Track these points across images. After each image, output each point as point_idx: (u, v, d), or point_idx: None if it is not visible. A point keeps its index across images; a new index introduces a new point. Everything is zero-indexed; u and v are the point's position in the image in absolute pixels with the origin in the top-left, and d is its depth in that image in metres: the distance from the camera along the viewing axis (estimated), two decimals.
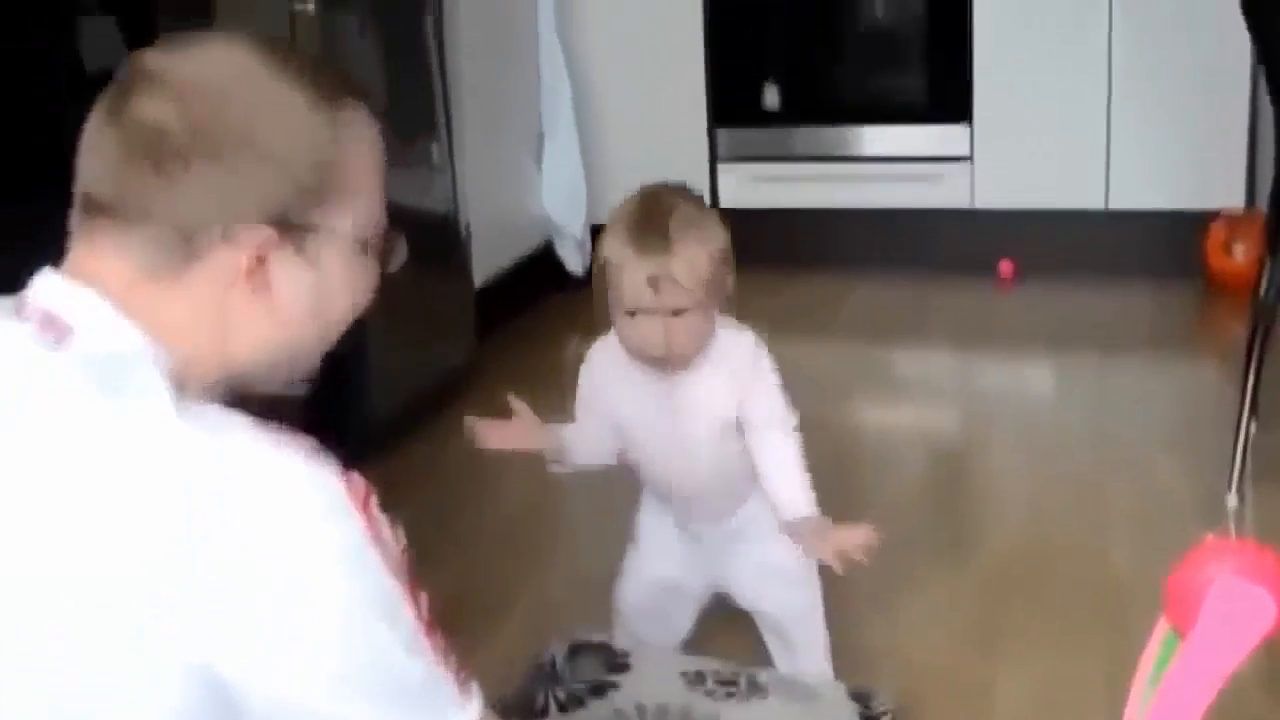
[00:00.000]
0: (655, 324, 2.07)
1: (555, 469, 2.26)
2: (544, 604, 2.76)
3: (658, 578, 2.34)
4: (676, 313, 2.07)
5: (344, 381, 2.50)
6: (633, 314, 2.09)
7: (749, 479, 2.21)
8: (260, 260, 1.29)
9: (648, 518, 2.35)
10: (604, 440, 2.26)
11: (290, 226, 1.30)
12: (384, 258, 1.44)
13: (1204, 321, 4.54)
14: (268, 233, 1.29)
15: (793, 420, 2.18)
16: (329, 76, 1.36)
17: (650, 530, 2.34)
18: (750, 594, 2.32)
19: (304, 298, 1.34)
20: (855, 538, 2.03)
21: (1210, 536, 1.63)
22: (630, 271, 2.06)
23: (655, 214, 2.08)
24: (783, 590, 2.29)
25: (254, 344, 1.33)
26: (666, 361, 2.13)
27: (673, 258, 2.04)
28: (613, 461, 2.30)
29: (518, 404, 2.22)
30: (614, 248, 2.09)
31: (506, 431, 2.21)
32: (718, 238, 2.12)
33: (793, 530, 2.11)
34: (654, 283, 2.05)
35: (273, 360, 1.36)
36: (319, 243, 1.33)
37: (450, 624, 2.66)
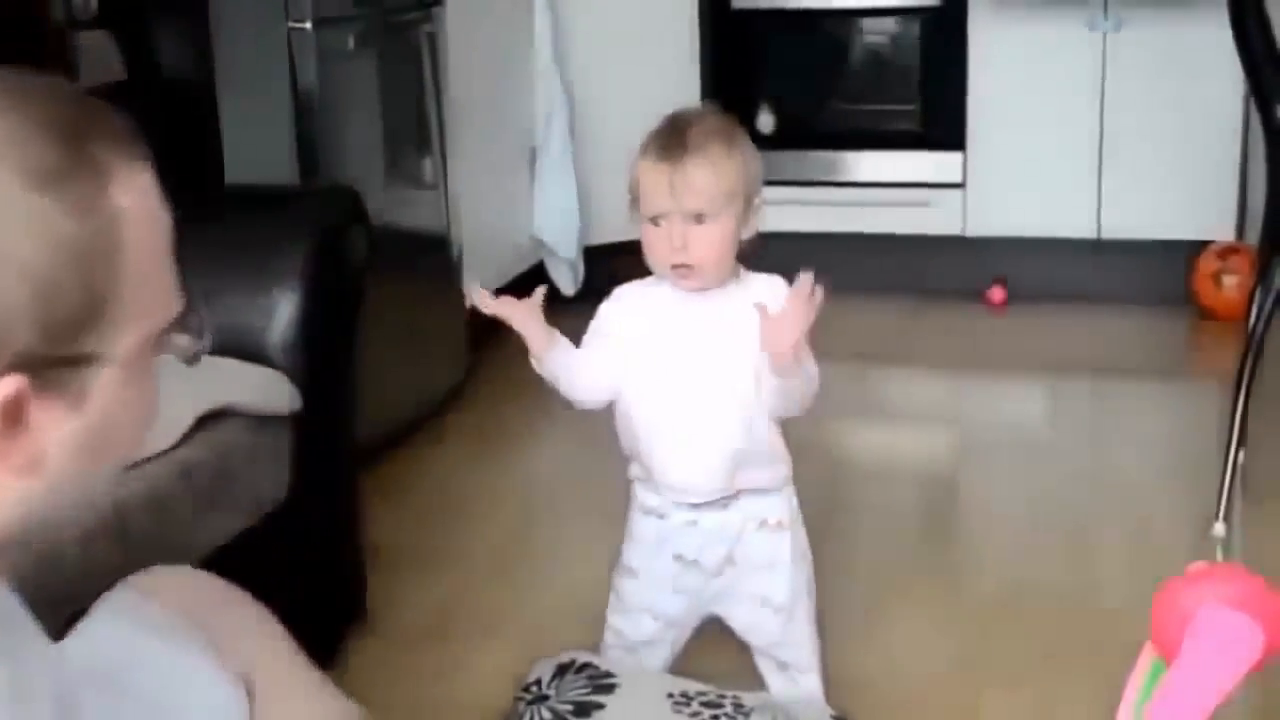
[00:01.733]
0: (675, 228, 2.10)
1: (535, 366, 2.23)
2: (532, 623, 2.76)
3: (653, 609, 2.33)
4: (697, 219, 2.10)
5: (334, 400, 2.50)
6: (655, 222, 2.12)
7: (750, 448, 2.20)
8: (9, 417, 0.98)
9: (641, 545, 2.33)
10: (605, 371, 2.22)
11: (44, 364, 0.98)
12: (180, 350, 1.15)
13: (1194, 350, 4.55)
14: (13, 384, 0.96)
15: (813, 370, 2.15)
16: (81, 131, 1.01)
17: (645, 557, 2.32)
18: (744, 622, 2.31)
19: (69, 446, 1.03)
20: (798, 297, 2.02)
21: (1196, 563, 1.63)
22: (651, 176, 2.11)
23: (679, 124, 2.15)
24: (777, 619, 2.28)
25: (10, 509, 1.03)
26: (689, 272, 2.13)
27: (690, 159, 2.09)
28: (601, 400, 2.26)
29: (538, 295, 2.21)
30: (639, 162, 2.15)
31: (513, 306, 2.19)
32: (745, 154, 2.16)
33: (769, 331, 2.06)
34: (672, 184, 2.09)
35: (43, 516, 1.06)
36: (86, 377, 1.02)
37: (436, 642, 2.67)
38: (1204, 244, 4.61)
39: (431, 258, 3.88)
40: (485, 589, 2.91)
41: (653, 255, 2.16)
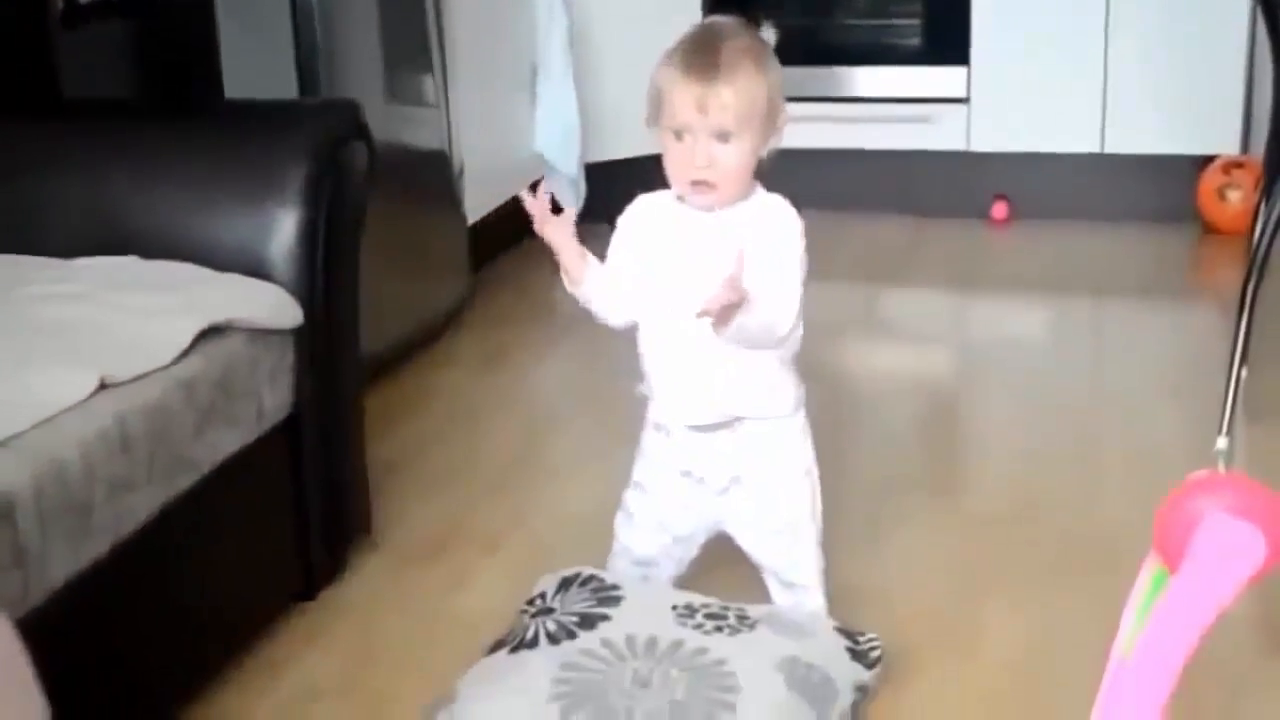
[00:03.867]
0: (701, 145, 2.11)
1: (570, 288, 2.22)
2: (536, 539, 2.77)
3: (661, 524, 2.33)
4: (722, 138, 2.10)
5: (336, 314, 2.49)
6: (679, 136, 2.13)
7: (742, 373, 2.20)
8: None
9: (650, 461, 2.34)
10: (623, 282, 2.22)
11: None
12: None
13: (1197, 265, 4.54)
14: None
15: (794, 302, 2.14)
16: None
17: (655, 474, 2.33)
18: (749, 539, 2.32)
19: None
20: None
21: (1198, 471, 1.63)
22: (680, 91, 2.11)
23: (710, 38, 2.14)
24: (781, 536, 2.30)
25: None
26: (708, 188, 2.14)
27: (721, 79, 2.09)
28: (621, 320, 2.26)
29: (569, 216, 2.20)
30: (665, 72, 2.14)
31: (558, 223, 2.18)
32: (773, 73, 2.16)
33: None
34: (702, 103, 2.09)
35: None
36: None
37: (440, 557, 2.69)
38: (1209, 158, 4.59)
39: (432, 175, 3.85)
40: (490, 505, 2.91)
41: (673, 169, 2.15)
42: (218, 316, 2.18)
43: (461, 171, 3.97)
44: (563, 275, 2.22)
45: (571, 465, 3.15)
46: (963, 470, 3.08)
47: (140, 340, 2.07)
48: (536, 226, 2.18)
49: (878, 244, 4.66)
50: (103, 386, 1.95)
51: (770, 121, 2.15)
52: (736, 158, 2.13)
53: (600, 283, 2.21)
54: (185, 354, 2.10)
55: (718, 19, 2.24)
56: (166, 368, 2.05)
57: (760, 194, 2.22)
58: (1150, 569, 1.63)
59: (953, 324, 4.18)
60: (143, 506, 1.98)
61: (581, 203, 4.57)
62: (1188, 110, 4.53)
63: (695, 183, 2.14)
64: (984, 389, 3.58)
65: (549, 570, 2.35)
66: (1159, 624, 1.56)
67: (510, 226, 4.44)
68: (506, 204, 4.41)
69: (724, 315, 2.02)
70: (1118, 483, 2.91)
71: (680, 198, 2.19)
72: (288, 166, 2.42)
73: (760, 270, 2.12)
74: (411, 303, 3.69)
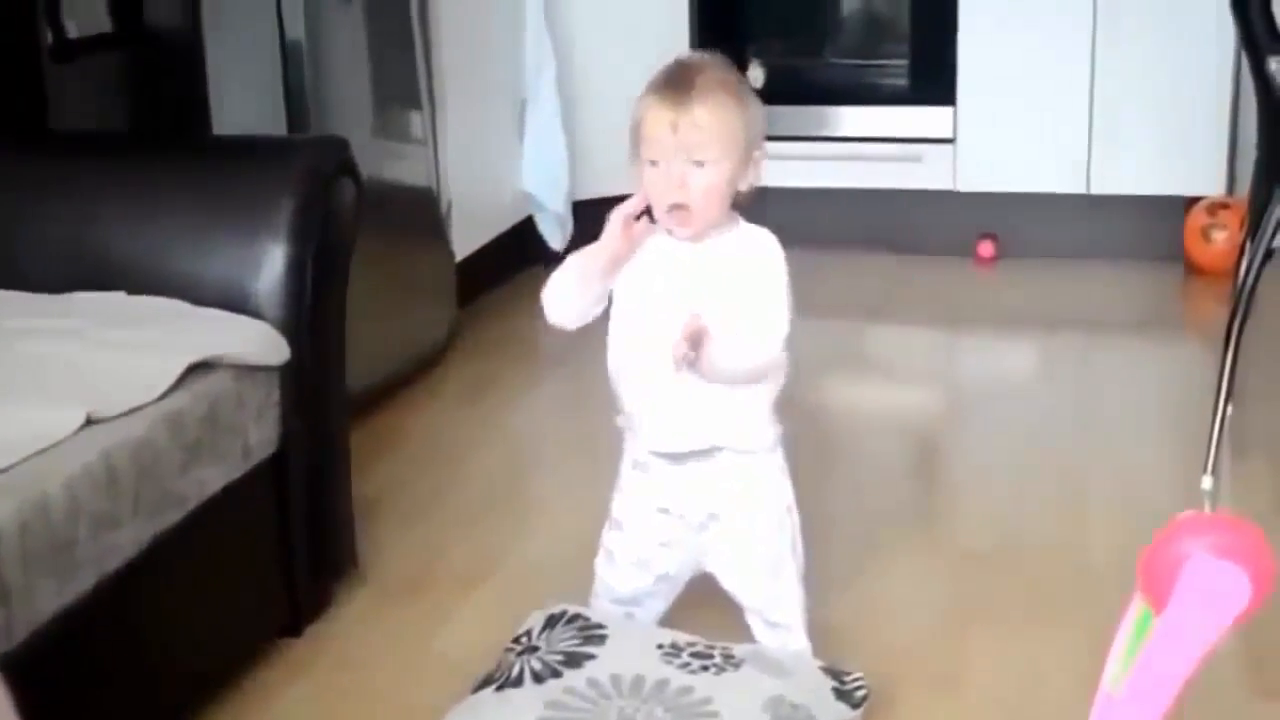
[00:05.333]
0: (675, 167, 2.12)
1: (570, 265, 2.23)
2: (521, 574, 2.76)
3: (640, 562, 2.33)
4: (696, 163, 2.12)
5: (323, 351, 2.49)
6: (655, 163, 2.14)
7: (720, 404, 2.20)
8: None
9: (629, 498, 2.34)
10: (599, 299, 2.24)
11: None
12: None
13: (1183, 304, 4.56)
14: None
15: (781, 331, 2.16)
16: None
17: (633, 512, 2.33)
18: (730, 578, 2.32)
19: None
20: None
21: (1184, 512, 1.63)
22: (653, 117, 2.14)
23: (685, 68, 2.18)
24: (761, 575, 2.29)
25: None
26: (684, 216, 2.15)
27: (693, 102, 2.11)
28: (574, 324, 2.26)
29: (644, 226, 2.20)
30: (641, 102, 2.17)
31: (640, 229, 2.18)
32: (749, 104, 2.18)
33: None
34: (675, 125, 2.11)
35: None
36: None
37: (425, 593, 2.68)
38: (1194, 199, 4.61)
39: (420, 211, 3.86)
40: (474, 540, 2.91)
41: (651, 197, 2.16)
42: (205, 353, 2.17)
43: (449, 208, 3.98)
44: (591, 257, 2.20)
45: (556, 500, 3.15)
46: (947, 507, 3.08)
47: (127, 376, 2.06)
48: (623, 220, 2.17)
49: (864, 282, 4.67)
50: (89, 422, 1.94)
51: (746, 153, 2.16)
52: (710, 181, 2.13)
53: (598, 293, 2.23)
54: (172, 390, 2.09)
55: (696, 54, 2.28)
56: (153, 404, 2.05)
57: (743, 226, 2.23)
58: (1136, 610, 1.63)
59: (939, 362, 4.18)
60: (128, 542, 1.97)
61: (569, 239, 4.58)
62: (1173, 151, 4.56)
63: (671, 207, 2.14)
64: (969, 427, 3.59)
65: (534, 606, 2.34)
66: (1146, 666, 1.56)
67: (497, 263, 4.46)
68: (493, 240, 4.43)
69: (690, 360, 2.05)
70: (1103, 520, 2.91)
71: (670, 231, 2.20)
72: (276, 202, 2.42)
73: (742, 302, 2.14)
74: (397, 338, 3.68)
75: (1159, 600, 1.57)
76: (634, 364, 2.24)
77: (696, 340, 2.05)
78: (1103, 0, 4.51)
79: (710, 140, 2.12)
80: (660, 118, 2.13)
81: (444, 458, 3.34)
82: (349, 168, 2.54)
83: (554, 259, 4.44)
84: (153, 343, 2.17)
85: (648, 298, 2.21)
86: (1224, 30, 3.64)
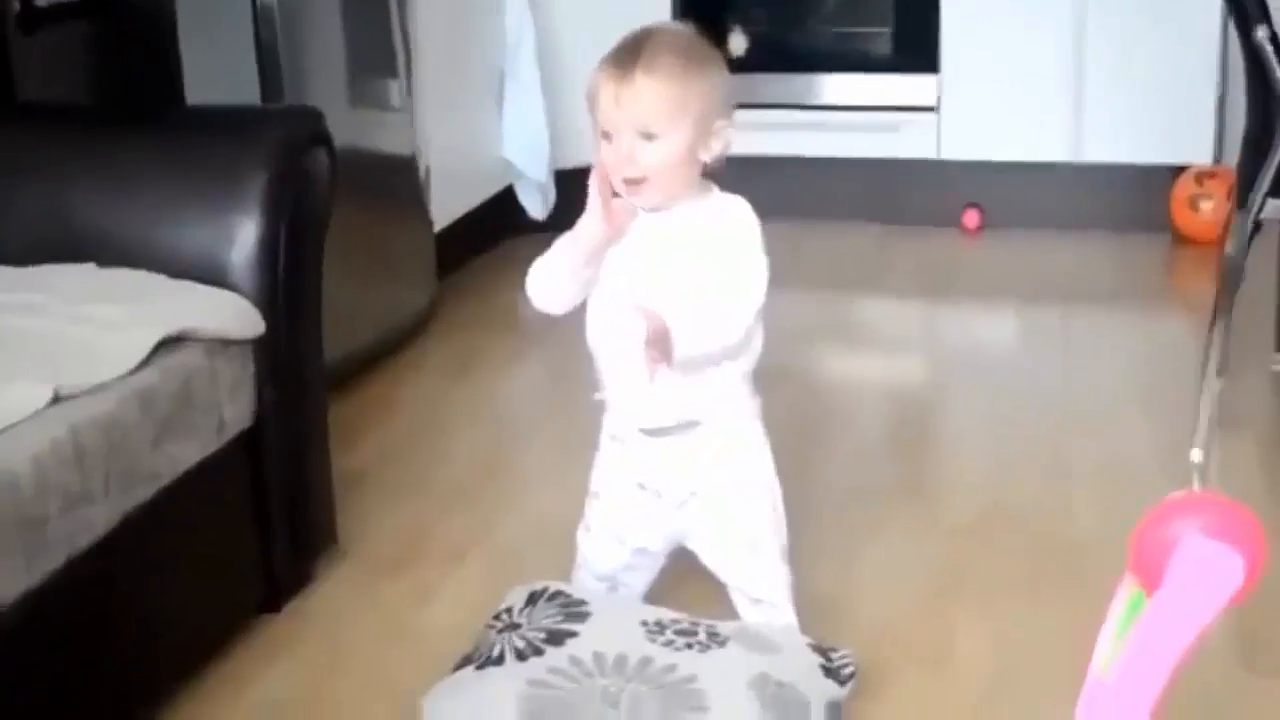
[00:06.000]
0: (625, 141, 2.08)
1: (559, 248, 2.19)
2: (503, 549, 2.73)
3: (619, 536, 2.30)
4: (646, 136, 2.07)
5: (299, 323, 2.45)
6: (607, 135, 2.09)
7: (693, 377, 2.15)
8: None
9: (606, 472, 2.31)
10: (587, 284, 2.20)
11: None
12: None
13: (1170, 275, 4.53)
14: None
15: (755, 301, 2.11)
16: None
17: (611, 485, 2.29)
18: (710, 555, 2.29)
19: None
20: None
21: (1175, 492, 1.60)
22: (602, 90, 2.09)
23: (637, 38, 2.12)
24: (742, 551, 2.26)
25: None
26: (637, 188, 2.10)
27: (637, 73, 2.06)
28: (561, 308, 2.24)
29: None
30: (593, 75, 2.12)
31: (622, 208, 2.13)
32: (702, 72, 2.11)
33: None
34: (618, 97, 2.07)
35: None
36: None
37: (407, 568, 2.65)
38: (1181, 168, 4.58)
39: (399, 181, 3.82)
40: (456, 514, 2.88)
41: (608, 167, 2.11)
42: (176, 327, 2.14)
43: (428, 177, 3.93)
44: (575, 245, 2.16)
45: (539, 474, 3.12)
46: (932, 479, 3.06)
47: (96, 352, 2.03)
48: (602, 203, 2.12)
49: (847, 252, 4.64)
50: (56, 399, 1.91)
51: (704, 123, 2.10)
52: (661, 155, 2.08)
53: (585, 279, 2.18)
54: (143, 365, 2.05)
55: (659, 23, 2.22)
56: (123, 379, 2.01)
57: (716, 195, 2.18)
58: (1127, 590, 1.61)
59: (923, 333, 4.15)
60: (99, 519, 1.93)
61: (550, 208, 4.54)
62: (1160, 119, 4.52)
63: (626, 181, 2.10)
64: (954, 398, 3.56)
65: (518, 581, 2.32)
66: (1138, 647, 1.54)
67: (477, 232, 4.42)
68: (473, 209, 4.38)
69: (657, 362, 2.01)
70: (1089, 492, 2.89)
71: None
72: (248, 173, 2.38)
73: (714, 272, 2.10)
74: (377, 309, 3.65)
75: (1150, 582, 1.55)
76: (605, 339, 2.20)
77: (660, 342, 2.00)
78: None
79: (655, 112, 2.06)
80: (608, 91, 2.08)
81: (427, 430, 3.31)
82: (322, 138, 2.50)
83: (535, 228, 4.43)
84: (124, 317, 2.13)
85: (616, 270, 2.17)
86: None
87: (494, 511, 2.91)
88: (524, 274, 2.23)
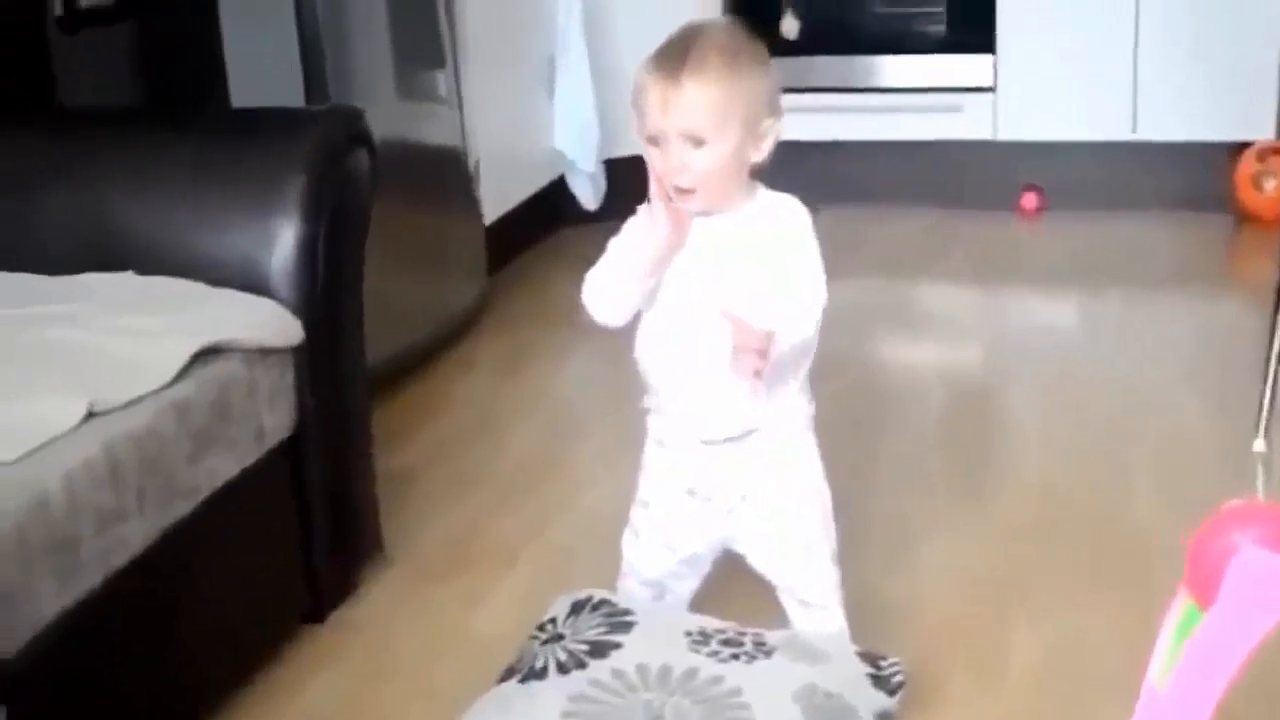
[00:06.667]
0: (673, 149, 2.02)
1: (647, 248, 2.08)
2: (551, 553, 2.70)
3: (667, 543, 2.25)
4: (694, 142, 2.01)
5: (340, 329, 2.43)
6: (654, 142, 2.04)
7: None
8: None
9: (655, 479, 2.26)
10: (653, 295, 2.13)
11: None
12: None
13: (1233, 256, 4.45)
14: None
15: (821, 297, 2.06)
16: None
17: (660, 493, 2.25)
18: (760, 559, 2.24)
19: None
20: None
21: (1233, 501, 1.55)
22: (648, 93, 2.03)
23: (684, 38, 2.05)
24: (794, 558, 2.21)
25: None
26: (689, 196, 2.04)
27: (686, 76, 2.00)
28: (620, 320, 2.16)
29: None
30: (639, 75, 2.06)
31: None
32: (751, 73, 2.05)
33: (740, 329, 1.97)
34: (665, 101, 2.01)
35: None
36: None
37: (456, 572, 2.63)
38: (1244, 144, 4.49)
39: (447, 174, 3.79)
40: (507, 515, 2.85)
41: (654, 176, 2.06)
42: (213, 337, 2.11)
43: (478, 169, 3.90)
44: (644, 254, 2.08)
45: (592, 473, 3.08)
46: (990, 473, 2.99)
47: (132, 364, 2.00)
48: (668, 210, 2.05)
49: (904, 237, 4.58)
50: (91, 414, 1.88)
51: (752, 125, 2.04)
52: (710, 162, 2.02)
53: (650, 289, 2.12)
54: (179, 378, 2.03)
55: (704, 20, 2.15)
56: (158, 392, 1.99)
57: (763, 193, 2.13)
58: (1182, 603, 1.56)
59: (982, 318, 4.09)
60: (136, 537, 1.91)
61: (601, 199, 4.51)
62: (1221, 95, 4.44)
63: (677, 190, 2.05)
64: (1013, 385, 3.50)
65: (568, 584, 2.28)
66: (1193, 661, 1.49)
67: (528, 224, 4.38)
68: (524, 202, 4.35)
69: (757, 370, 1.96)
70: (1148, 485, 2.82)
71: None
72: (287, 177, 2.35)
73: (774, 278, 2.05)
74: (426, 306, 3.62)
75: (1206, 593, 1.50)
76: (664, 346, 2.15)
77: (764, 349, 1.94)
78: None
79: (704, 119, 2.00)
80: (654, 95, 2.02)
81: (479, 428, 3.28)
82: (363, 137, 2.47)
83: (586, 219, 4.39)
84: (160, 328, 2.11)
85: (671, 276, 2.12)
86: None
87: (546, 511, 2.87)
88: (576, 266, 2.18)
